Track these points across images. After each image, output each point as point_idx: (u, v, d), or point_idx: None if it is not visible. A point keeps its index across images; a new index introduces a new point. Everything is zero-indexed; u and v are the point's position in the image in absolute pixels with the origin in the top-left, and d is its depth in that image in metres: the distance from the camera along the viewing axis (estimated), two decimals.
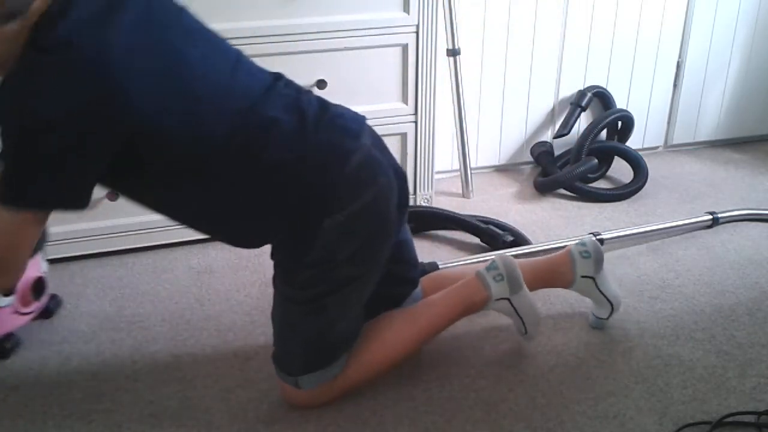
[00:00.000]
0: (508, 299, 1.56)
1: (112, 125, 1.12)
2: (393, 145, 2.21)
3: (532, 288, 1.62)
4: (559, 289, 1.75)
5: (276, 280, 1.44)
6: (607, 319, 1.72)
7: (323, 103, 1.38)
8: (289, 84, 1.38)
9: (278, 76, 1.37)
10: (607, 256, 2.06)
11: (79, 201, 1.17)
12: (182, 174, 1.25)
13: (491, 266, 1.57)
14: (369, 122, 2.19)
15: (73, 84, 1.06)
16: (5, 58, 1.09)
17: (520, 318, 1.58)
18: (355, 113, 1.42)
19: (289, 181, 1.30)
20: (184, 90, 1.18)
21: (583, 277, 1.68)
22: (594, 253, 1.68)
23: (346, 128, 1.36)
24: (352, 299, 1.43)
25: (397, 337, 1.52)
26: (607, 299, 1.69)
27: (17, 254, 1.16)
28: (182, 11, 1.28)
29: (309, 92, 1.39)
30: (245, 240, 1.45)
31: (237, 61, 1.32)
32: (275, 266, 1.43)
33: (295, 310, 1.42)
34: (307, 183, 1.30)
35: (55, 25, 1.07)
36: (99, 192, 1.99)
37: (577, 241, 1.72)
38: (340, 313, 1.43)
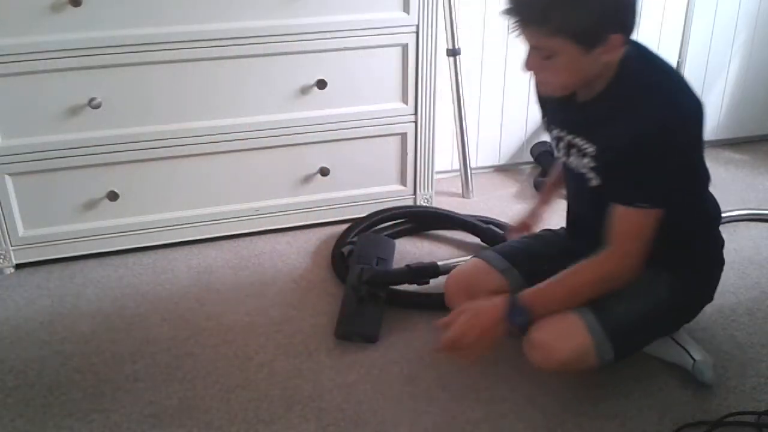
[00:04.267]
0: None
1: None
2: (393, 145, 2.21)
3: None
4: None
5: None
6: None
7: None
8: None
9: None
10: None
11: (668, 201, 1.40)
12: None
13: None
14: (369, 122, 2.20)
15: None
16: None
17: None
18: None
19: None
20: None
21: None
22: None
23: None
24: None
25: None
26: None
27: (645, 245, 1.40)
28: None
29: None
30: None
31: None
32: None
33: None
34: None
35: None
36: (98, 192, 1.99)
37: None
38: None
